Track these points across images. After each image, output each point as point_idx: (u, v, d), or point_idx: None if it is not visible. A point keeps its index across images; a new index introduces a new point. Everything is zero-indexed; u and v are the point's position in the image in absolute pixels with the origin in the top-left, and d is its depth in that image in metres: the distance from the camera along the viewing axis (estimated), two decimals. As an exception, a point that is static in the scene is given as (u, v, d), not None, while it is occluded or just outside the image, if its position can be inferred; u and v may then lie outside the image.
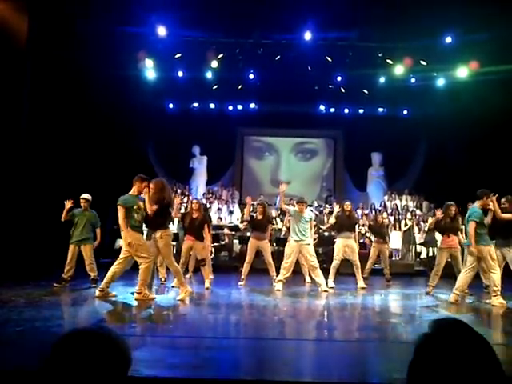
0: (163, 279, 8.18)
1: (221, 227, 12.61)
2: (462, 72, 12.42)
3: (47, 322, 4.48)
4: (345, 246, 8.38)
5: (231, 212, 13.99)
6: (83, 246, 7.38)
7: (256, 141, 17.68)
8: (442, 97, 13.66)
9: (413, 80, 13.89)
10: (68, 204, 7.36)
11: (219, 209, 13.80)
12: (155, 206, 6.05)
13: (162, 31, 11.73)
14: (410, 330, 4.71)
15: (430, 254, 11.67)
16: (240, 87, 14.56)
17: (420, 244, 12.45)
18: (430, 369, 1.06)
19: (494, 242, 6.70)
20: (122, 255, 6.16)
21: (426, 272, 10.76)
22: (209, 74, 13.71)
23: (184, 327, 4.86)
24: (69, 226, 7.45)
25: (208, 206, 12.73)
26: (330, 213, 11.35)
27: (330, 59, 12.99)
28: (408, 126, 15.10)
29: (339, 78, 14.14)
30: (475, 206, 6.63)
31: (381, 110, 16.19)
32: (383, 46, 12.62)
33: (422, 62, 12.84)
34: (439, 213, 7.98)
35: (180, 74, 13.53)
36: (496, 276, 6.35)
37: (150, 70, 13.03)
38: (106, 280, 6.10)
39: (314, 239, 9.52)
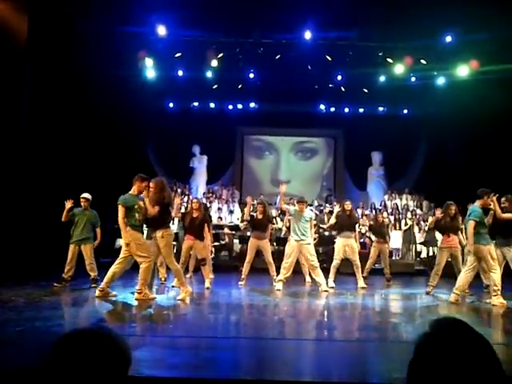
0: (163, 279, 8.18)
1: (221, 227, 12.62)
2: (463, 71, 12.41)
3: (47, 321, 4.47)
4: (345, 246, 8.37)
5: (231, 211, 14.00)
6: (83, 245, 7.37)
7: (256, 140, 17.68)
8: (442, 96, 13.65)
9: (413, 79, 13.88)
10: (68, 204, 7.36)
11: (219, 208, 13.81)
12: (157, 208, 6.05)
13: (161, 31, 11.73)
14: (409, 330, 4.71)
15: (431, 254, 11.67)
16: (240, 87, 14.55)
17: (420, 243, 12.45)
18: (430, 368, 1.06)
19: (494, 241, 6.71)
20: (121, 255, 6.15)
21: (426, 271, 10.77)
22: (209, 74, 13.70)
23: (184, 327, 4.86)
24: (69, 226, 7.45)
25: (208, 205, 12.74)
26: (331, 212, 11.35)
27: (330, 58, 12.98)
28: (408, 125, 15.10)
29: (339, 78, 14.12)
30: (475, 206, 6.63)
31: (381, 109, 16.18)
32: (383, 46, 12.61)
33: (422, 61, 12.83)
34: (439, 212, 7.98)
35: (180, 73, 13.52)
36: (496, 275, 6.34)
37: (149, 69, 13.03)
38: (106, 280, 6.10)
39: (315, 239, 9.52)
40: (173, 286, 7.32)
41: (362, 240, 11.15)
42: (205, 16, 10.96)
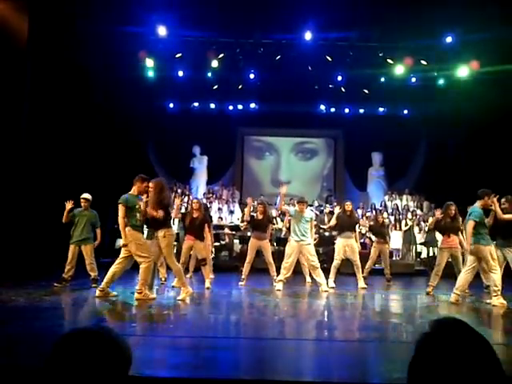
0: (163, 279, 8.18)
1: (221, 227, 12.62)
2: (463, 72, 12.42)
3: (47, 321, 4.48)
4: (345, 246, 8.37)
5: (232, 212, 14.00)
6: (83, 245, 7.37)
7: (256, 140, 17.68)
8: (442, 97, 13.65)
9: (413, 80, 13.89)
10: (69, 205, 7.36)
11: (220, 208, 13.81)
12: (161, 212, 6.02)
13: (162, 31, 11.74)
14: (410, 330, 4.70)
15: (431, 254, 11.67)
16: (240, 87, 14.55)
17: (420, 244, 12.45)
18: (430, 368, 1.06)
19: (494, 242, 6.70)
20: (122, 255, 6.16)
21: (426, 272, 10.77)
22: (209, 74, 13.70)
23: (184, 327, 4.86)
24: (69, 226, 7.45)
25: (208, 205, 12.73)
26: (331, 212, 11.35)
27: (330, 59, 12.99)
28: (408, 125, 15.09)
29: (339, 78, 14.12)
30: (475, 206, 6.63)
31: (381, 109, 16.18)
32: (383, 46, 12.62)
33: (423, 62, 12.84)
34: (439, 213, 7.98)
35: (180, 73, 13.52)
36: (496, 276, 6.34)
37: (150, 69, 13.04)
38: (106, 280, 6.10)
39: (315, 239, 9.52)
40: (173, 286, 7.32)
41: (362, 240, 11.15)
42: (205, 16, 10.97)
